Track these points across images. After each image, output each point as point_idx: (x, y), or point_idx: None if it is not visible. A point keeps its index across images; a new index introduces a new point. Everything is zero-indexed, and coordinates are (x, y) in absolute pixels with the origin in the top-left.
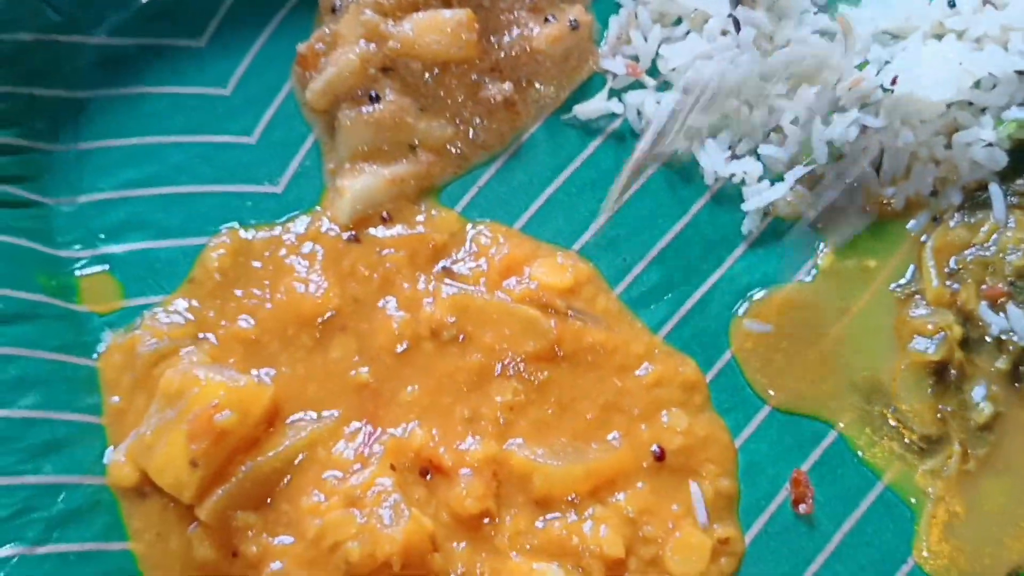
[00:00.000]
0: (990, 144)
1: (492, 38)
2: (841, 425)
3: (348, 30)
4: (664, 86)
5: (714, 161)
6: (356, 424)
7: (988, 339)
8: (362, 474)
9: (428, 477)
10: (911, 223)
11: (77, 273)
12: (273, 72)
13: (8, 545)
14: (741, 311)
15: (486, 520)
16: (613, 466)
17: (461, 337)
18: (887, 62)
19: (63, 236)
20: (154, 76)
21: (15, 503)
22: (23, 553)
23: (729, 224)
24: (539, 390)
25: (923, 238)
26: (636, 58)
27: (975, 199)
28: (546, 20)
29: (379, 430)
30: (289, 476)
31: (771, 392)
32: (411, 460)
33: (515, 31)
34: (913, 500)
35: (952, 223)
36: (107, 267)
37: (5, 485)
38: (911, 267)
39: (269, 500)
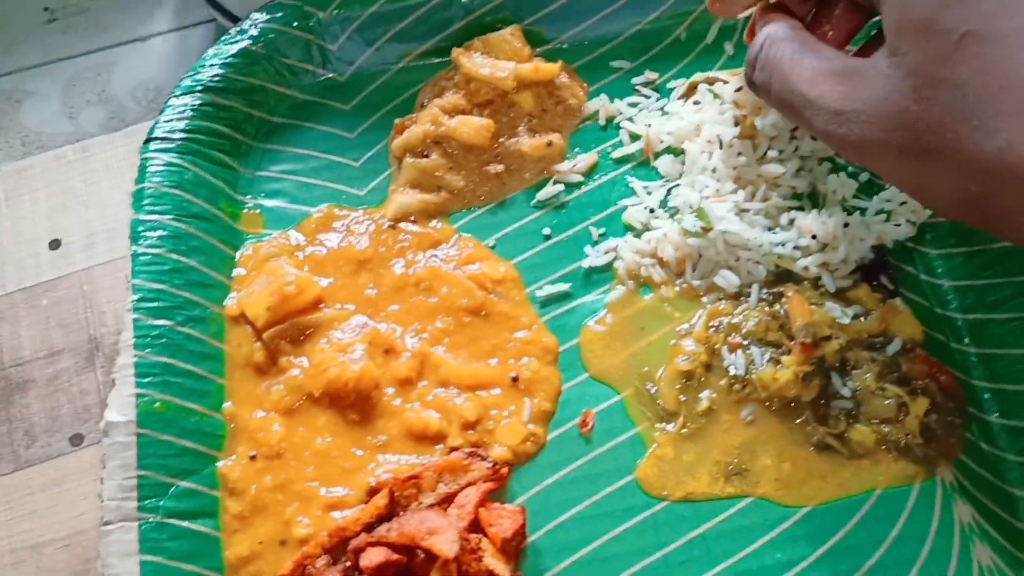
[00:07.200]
0: (758, 263)
1: (500, 139)
2: (624, 393)
3: (423, 117)
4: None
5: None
6: (360, 318)
7: (721, 368)
8: (351, 339)
9: (386, 352)
10: (704, 299)
11: (243, 210)
12: (382, 132)
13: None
14: (592, 321)
15: (409, 384)
16: (486, 376)
17: (429, 287)
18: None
19: (242, 189)
20: (316, 119)
21: (186, 302)
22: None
23: (603, 269)
24: (462, 328)
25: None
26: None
27: (744, 292)
28: (535, 136)
29: (371, 323)
30: (313, 330)
31: (591, 365)
32: (381, 341)
33: (515, 139)
34: (647, 444)
35: (724, 302)
36: (259, 211)
37: (177, 295)
38: (693, 320)
39: (301, 340)
